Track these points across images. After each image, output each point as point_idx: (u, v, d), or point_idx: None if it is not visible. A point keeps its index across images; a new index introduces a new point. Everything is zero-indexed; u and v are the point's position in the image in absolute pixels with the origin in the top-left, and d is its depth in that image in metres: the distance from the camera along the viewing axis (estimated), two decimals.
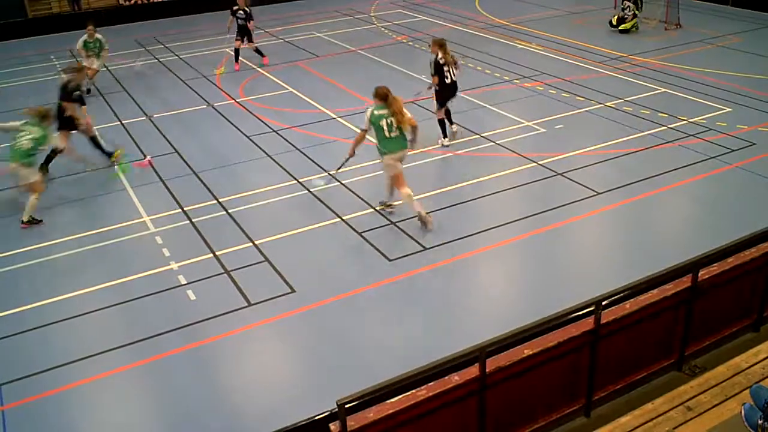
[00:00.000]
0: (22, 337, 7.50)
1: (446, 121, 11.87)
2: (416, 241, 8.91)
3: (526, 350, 5.12)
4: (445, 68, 11.38)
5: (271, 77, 16.14)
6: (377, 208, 9.79)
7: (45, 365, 7.02)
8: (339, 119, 13.10)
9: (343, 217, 9.57)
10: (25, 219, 9.76)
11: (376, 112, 9.03)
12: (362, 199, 10.04)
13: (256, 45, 17.03)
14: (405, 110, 9.08)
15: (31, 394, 6.67)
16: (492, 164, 11.11)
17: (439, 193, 10.22)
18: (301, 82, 15.63)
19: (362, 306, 7.81)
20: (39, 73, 17.59)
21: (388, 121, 8.98)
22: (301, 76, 16.13)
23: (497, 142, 11.85)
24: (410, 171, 10.87)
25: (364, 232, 9.20)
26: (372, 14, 22.62)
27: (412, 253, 8.68)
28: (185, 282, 8.28)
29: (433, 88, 11.57)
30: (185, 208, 10.02)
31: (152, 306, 7.92)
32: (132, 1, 23.86)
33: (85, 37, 15.06)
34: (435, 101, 11.74)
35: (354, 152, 9.57)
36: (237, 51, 16.87)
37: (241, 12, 16.55)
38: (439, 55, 11.32)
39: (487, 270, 8.61)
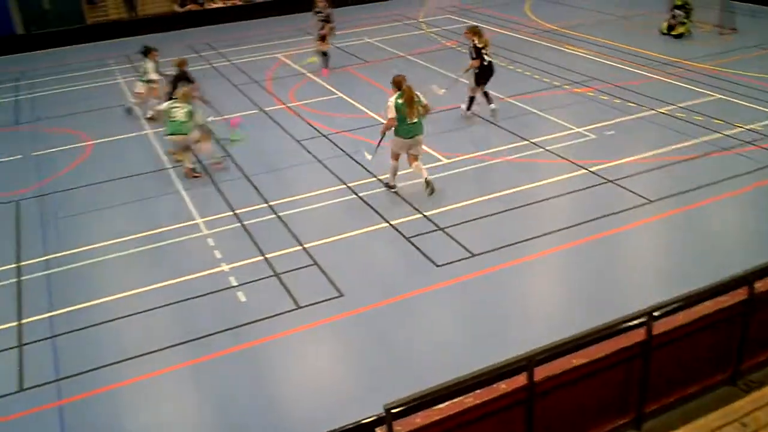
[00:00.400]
0: (78, 335, 7.75)
1: (485, 100, 12.91)
2: (464, 247, 8.91)
3: (576, 360, 5.08)
4: (483, 51, 12.58)
5: (321, 82, 16.32)
6: (381, 179, 10.76)
7: (100, 362, 7.25)
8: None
9: (391, 222, 9.63)
10: (192, 166, 11.57)
11: (399, 100, 9.96)
12: (410, 204, 10.08)
13: (325, 49, 17.03)
14: (416, 97, 10.05)
15: (87, 390, 6.89)
16: (541, 171, 11.04)
17: (488, 199, 10.19)
18: (351, 87, 15.77)
19: (410, 311, 7.85)
20: (98, 78, 18.12)
21: (408, 109, 9.97)
22: (351, 81, 16.27)
23: (547, 148, 11.76)
24: (459, 176, 10.92)
25: (411, 237, 9.24)
26: (421, 20, 22.66)
27: (461, 259, 8.68)
28: (236, 284, 8.44)
29: (473, 71, 12.71)
30: (237, 211, 10.21)
31: (203, 307, 8.09)
32: (186, 8, 24.37)
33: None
34: (473, 81, 12.83)
35: (383, 136, 10.45)
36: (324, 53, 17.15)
37: (319, 12, 16.94)
38: (476, 41, 12.58)
39: (535, 277, 8.56)
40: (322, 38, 16.93)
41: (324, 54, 17.02)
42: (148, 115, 14.18)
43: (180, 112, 11.24)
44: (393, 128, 10.11)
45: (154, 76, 13.91)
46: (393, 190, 10.57)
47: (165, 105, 11.65)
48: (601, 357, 5.16)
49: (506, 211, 9.85)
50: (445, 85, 13.09)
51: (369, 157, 10.90)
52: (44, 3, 23.35)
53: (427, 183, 10.22)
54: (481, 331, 7.45)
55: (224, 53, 19.74)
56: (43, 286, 8.70)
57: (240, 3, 25.05)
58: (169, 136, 11.43)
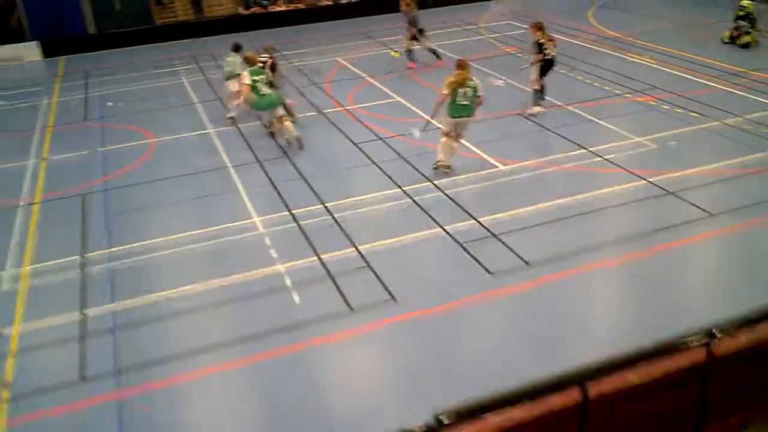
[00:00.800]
0: (137, 328, 7.99)
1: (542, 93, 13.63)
2: (519, 256, 8.84)
3: (631, 377, 4.99)
4: (544, 47, 13.27)
5: (380, 86, 16.42)
6: (433, 167, 11.24)
7: (157, 357, 7.45)
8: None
9: (446, 228, 9.62)
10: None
11: (453, 80, 10.82)
12: (465, 211, 10.06)
13: (409, 48, 17.73)
14: (471, 82, 10.82)
15: (144, 383, 7.09)
16: (600, 180, 10.87)
17: (544, 208, 10.09)
18: (409, 91, 15.81)
19: (461, 318, 7.83)
20: (164, 77, 18.64)
21: (463, 90, 10.75)
22: (409, 86, 16.32)
23: (606, 157, 11.57)
24: (515, 183, 10.85)
25: (465, 243, 9.22)
26: (481, 25, 22.57)
27: (515, 268, 8.62)
28: (290, 284, 8.57)
29: (537, 65, 13.41)
30: (293, 211, 10.36)
31: (258, 306, 8.25)
32: (251, 10, 24.84)
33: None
34: (536, 74, 13.48)
35: (435, 114, 11.22)
36: (408, 51, 17.79)
37: (404, 14, 17.56)
38: (539, 37, 13.28)
39: (590, 289, 8.44)
40: (412, 38, 17.56)
41: (410, 51, 17.79)
42: (230, 116, 14.33)
43: (265, 86, 12.56)
44: (446, 111, 10.95)
45: (242, 71, 14.25)
46: (446, 170, 11.14)
47: (247, 80, 12.56)
48: (658, 375, 5.04)
49: (562, 220, 9.74)
50: (503, 76, 14.20)
51: (417, 134, 11.56)
52: (116, 3, 24.15)
53: (441, 166, 11.15)
54: (533, 342, 7.39)
55: (286, 55, 20.02)
56: (105, 278, 9.00)
57: (303, 6, 25.40)
58: (263, 110, 12.96)
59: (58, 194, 11.62)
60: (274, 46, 14.40)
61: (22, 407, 6.85)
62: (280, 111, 12.87)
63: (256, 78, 12.57)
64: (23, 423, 6.68)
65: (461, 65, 11.03)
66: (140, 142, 13.75)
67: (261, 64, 13.18)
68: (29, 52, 22.11)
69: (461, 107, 10.86)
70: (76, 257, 9.51)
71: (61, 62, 21.69)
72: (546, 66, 13.47)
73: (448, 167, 11.19)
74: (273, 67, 13.58)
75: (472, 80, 10.89)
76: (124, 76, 19.03)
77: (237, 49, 14.39)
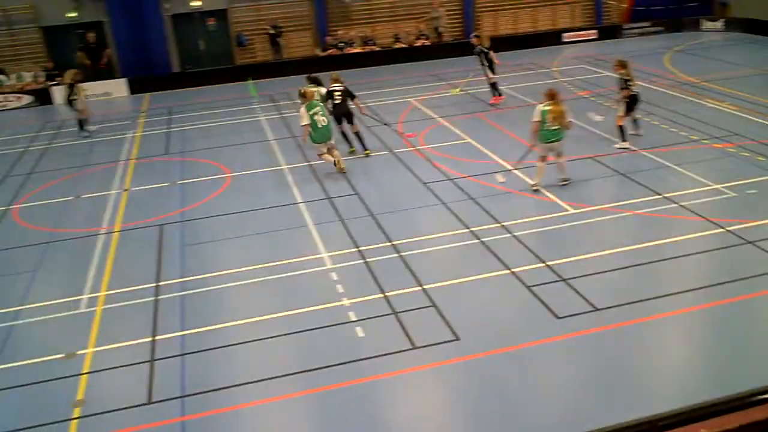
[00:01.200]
0: (204, 355, 8.17)
1: (633, 126, 14.33)
2: (587, 300, 8.66)
3: (703, 430, 4.80)
4: (629, 83, 13.80)
5: (451, 127, 16.54)
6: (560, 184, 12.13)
7: (222, 384, 7.59)
8: (515, 171, 13.11)
9: (513, 269, 9.53)
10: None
11: (545, 108, 11.72)
12: (533, 252, 9.94)
13: (493, 80, 18.21)
14: (565, 112, 11.79)
15: (208, 409, 7.22)
16: (674, 227, 10.58)
17: (615, 253, 9.87)
18: (481, 132, 15.87)
19: (526, 361, 7.69)
20: (242, 114, 19.31)
21: (551, 117, 11.64)
22: (481, 127, 16.38)
23: (681, 204, 11.27)
24: (585, 227, 10.68)
25: (532, 286, 9.10)
26: (554, 69, 22.53)
27: (582, 313, 8.44)
28: (355, 319, 8.62)
29: (623, 102, 13.92)
30: (360, 248, 10.47)
31: (322, 339, 8.31)
32: (327, 52, 25.54)
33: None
34: (623, 111, 13.97)
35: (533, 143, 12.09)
36: (492, 84, 18.29)
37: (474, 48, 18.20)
38: (624, 74, 13.83)
39: (661, 338, 8.16)
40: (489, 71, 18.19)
41: (492, 85, 18.24)
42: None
43: (323, 116, 13.35)
44: (539, 137, 11.84)
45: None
46: (535, 188, 12.02)
47: (306, 119, 13.30)
48: (731, 429, 4.84)
49: (633, 266, 9.50)
50: (602, 112, 14.89)
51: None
52: (200, 45, 25.30)
53: (564, 180, 12.17)
54: (599, 389, 7.18)
55: (359, 96, 20.41)
56: (177, 306, 9.28)
57: (377, 49, 25.97)
58: (321, 143, 13.52)
59: (137, 224, 12.11)
60: (339, 74, 15.21)
61: (92, 425, 7.08)
62: (324, 149, 13.58)
63: (311, 112, 13.25)
64: None
65: (550, 95, 11.85)
66: (217, 176, 14.23)
67: (338, 92, 14.41)
68: (118, 88, 23.34)
69: (550, 132, 11.71)
70: (150, 284, 9.84)
71: (146, 98, 22.79)
72: (632, 102, 13.91)
73: (537, 187, 12.08)
74: (350, 94, 14.66)
75: (559, 106, 11.71)
76: (204, 113, 19.81)
77: (320, 82, 15.30)
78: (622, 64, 14.02)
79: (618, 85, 14.05)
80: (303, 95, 13.63)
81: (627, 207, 11.33)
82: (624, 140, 13.99)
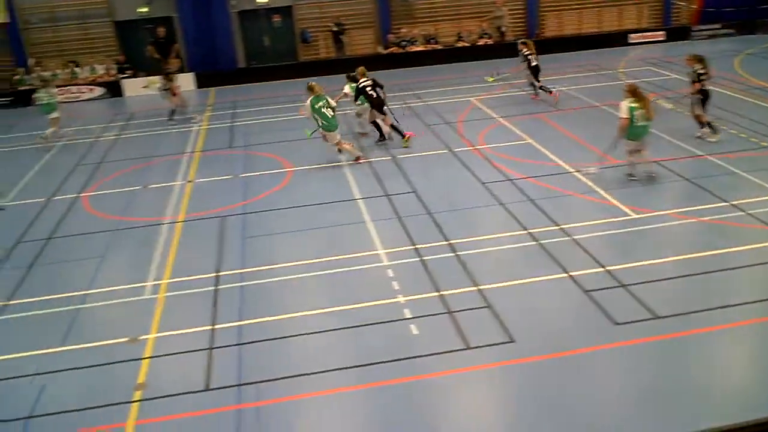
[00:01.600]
0: (261, 345, 8.33)
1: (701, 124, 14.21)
2: (647, 308, 8.48)
3: None
4: (702, 77, 13.79)
5: (512, 127, 16.40)
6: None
7: (277, 374, 7.72)
8: (575, 173, 12.93)
9: (571, 273, 9.40)
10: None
11: (632, 105, 11.82)
12: (592, 257, 9.79)
13: (540, 84, 18.67)
14: (651, 105, 12.06)
15: (263, 398, 7.36)
16: (740, 235, 10.26)
17: (678, 260, 9.64)
18: (541, 134, 15.68)
19: (582, 367, 7.58)
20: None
21: (639, 113, 11.79)
22: (542, 128, 16.19)
23: (749, 212, 10.90)
24: (647, 233, 10.46)
25: (590, 290, 8.96)
26: (619, 70, 22.07)
27: (641, 320, 8.26)
28: (410, 316, 8.66)
29: (697, 98, 13.98)
30: (417, 246, 10.49)
31: (377, 335, 8.37)
32: (389, 50, 25.64)
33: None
34: (699, 109, 14.07)
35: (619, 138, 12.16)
36: (540, 87, 18.68)
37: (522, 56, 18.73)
38: (698, 68, 13.84)
39: (722, 350, 7.92)
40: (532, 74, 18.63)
41: (533, 84, 18.79)
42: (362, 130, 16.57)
43: (328, 109, 13.96)
44: (626, 135, 11.95)
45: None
46: (632, 178, 12.34)
47: (308, 108, 14.06)
48: None
49: (697, 275, 9.25)
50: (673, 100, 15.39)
51: (593, 170, 12.75)
52: (265, 41, 25.75)
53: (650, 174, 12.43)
54: (652, 399, 7.02)
55: (420, 94, 20.49)
56: (236, 296, 9.48)
57: (440, 47, 25.93)
58: (330, 133, 14.12)
59: (200, 215, 12.41)
60: (364, 69, 15.55)
61: (152, 408, 7.32)
62: (338, 137, 14.26)
63: (317, 105, 13.89)
64: (151, 423, 7.13)
65: (632, 90, 11.98)
66: (278, 171, 14.46)
67: (369, 87, 15.00)
68: (185, 82, 23.89)
69: (640, 129, 11.91)
70: (210, 274, 10.08)
71: (212, 92, 23.32)
72: (704, 97, 13.98)
73: (633, 175, 12.40)
74: (379, 84, 15.14)
75: (646, 102, 11.97)
76: (267, 108, 20.15)
77: (351, 78, 15.87)
78: (698, 59, 14.05)
79: (690, 79, 14.08)
80: (310, 89, 14.18)
81: (692, 213, 11.04)
82: (715, 132, 14.08)
